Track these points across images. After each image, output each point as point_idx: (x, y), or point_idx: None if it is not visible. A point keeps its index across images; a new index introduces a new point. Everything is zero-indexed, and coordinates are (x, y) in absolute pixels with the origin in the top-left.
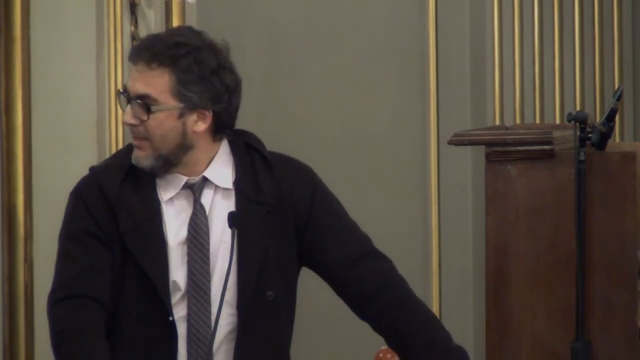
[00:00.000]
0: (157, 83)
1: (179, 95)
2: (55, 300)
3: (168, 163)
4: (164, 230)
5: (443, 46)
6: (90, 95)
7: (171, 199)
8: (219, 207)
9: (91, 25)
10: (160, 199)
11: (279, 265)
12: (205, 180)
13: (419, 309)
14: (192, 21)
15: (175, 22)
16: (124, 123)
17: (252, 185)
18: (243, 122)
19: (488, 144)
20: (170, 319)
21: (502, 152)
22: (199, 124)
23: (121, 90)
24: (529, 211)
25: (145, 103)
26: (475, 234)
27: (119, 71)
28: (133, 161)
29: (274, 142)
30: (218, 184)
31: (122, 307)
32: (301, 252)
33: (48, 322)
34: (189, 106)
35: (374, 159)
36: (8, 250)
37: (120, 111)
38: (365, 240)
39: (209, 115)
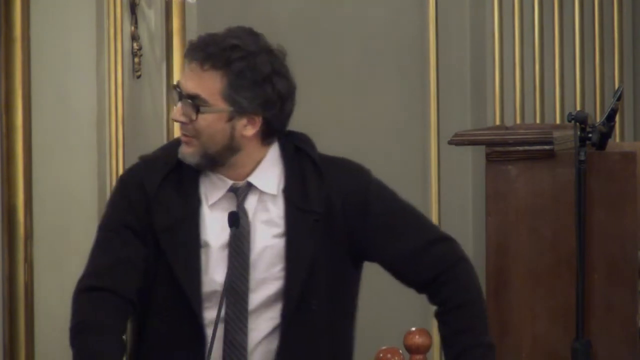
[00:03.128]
0: (209, 85)
1: (230, 99)
2: (82, 289)
3: (214, 162)
4: (201, 232)
5: (443, 46)
6: (90, 95)
7: (215, 202)
8: (264, 212)
9: (91, 25)
10: (202, 200)
11: (326, 274)
12: (250, 185)
13: (468, 306)
14: (192, 21)
15: (176, 22)
16: (172, 119)
17: (300, 193)
18: None
19: (488, 144)
20: (201, 322)
21: (502, 152)
22: (248, 129)
23: (176, 86)
24: (529, 211)
25: (195, 104)
26: (475, 234)
27: (119, 71)
28: (179, 156)
29: None
30: (263, 189)
31: (154, 306)
32: (360, 252)
33: (71, 308)
34: (239, 110)
35: (374, 159)
36: (8, 250)
37: (120, 111)
38: (425, 229)
39: (258, 120)
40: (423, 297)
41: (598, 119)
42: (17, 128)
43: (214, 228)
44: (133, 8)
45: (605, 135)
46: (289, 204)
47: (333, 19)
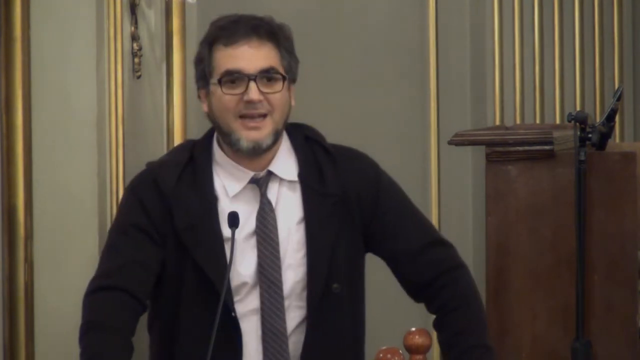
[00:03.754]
0: (273, 56)
1: (288, 67)
2: (93, 289)
3: (275, 142)
4: (222, 226)
5: (443, 46)
6: (90, 95)
7: (236, 193)
8: (285, 200)
9: (91, 25)
10: (221, 194)
11: (345, 258)
12: (270, 174)
13: (467, 308)
14: (192, 21)
15: (176, 22)
16: (250, 101)
17: (317, 178)
18: None
19: (488, 144)
20: (233, 314)
21: (502, 152)
22: (292, 99)
23: (233, 71)
24: (529, 211)
25: (275, 76)
26: (475, 234)
27: (119, 71)
28: (249, 145)
29: None
30: (284, 177)
31: (183, 305)
32: (367, 242)
33: (82, 307)
34: (292, 78)
35: (374, 159)
36: (8, 250)
37: (120, 111)
38: (427, 230)
39: (294, 90)
40: None
41: (598, 119)
42: (17, 128)
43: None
44: (133, 8)
45: (605, 136)
46: (307, 189)
47: (333, 19)
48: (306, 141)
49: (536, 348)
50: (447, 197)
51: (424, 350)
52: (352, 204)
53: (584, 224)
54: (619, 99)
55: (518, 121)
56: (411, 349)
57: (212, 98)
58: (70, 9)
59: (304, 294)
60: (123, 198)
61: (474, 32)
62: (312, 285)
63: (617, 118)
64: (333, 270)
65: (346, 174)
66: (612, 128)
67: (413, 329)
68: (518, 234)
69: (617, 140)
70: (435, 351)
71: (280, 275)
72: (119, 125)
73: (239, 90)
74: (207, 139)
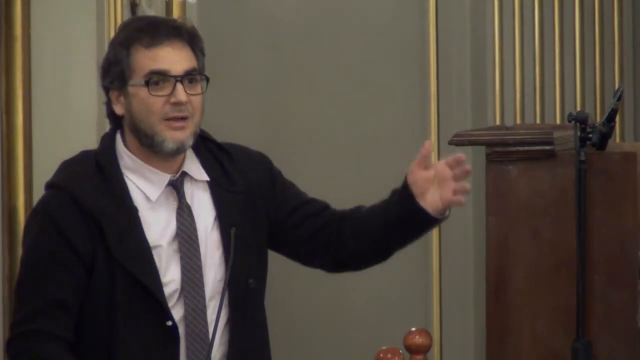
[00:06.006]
0: (192, 57)
1: (203, 69)
2: (17, 335)
3: (191, 144)
4: (147, 235)
5: (443, 46)
6: (90, 95)
7: (155, 199)
8: (199, 200)
9: (91, 25)
10: (139, 202)
11: (256, 252)
12: (184, 175)
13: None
14: (193, 21)
15: None
16: (178, 102)
17: (223, 175)
18: (243, 121)
19: (488, 144)
20: (169, 323)
21: (502, 152)
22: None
23: (157, 72)
24: (529, 211)
25: (200, 75)
26: (475, 234)
27: None
28: (173, 146)
29: (274, 141)
30: (196, 177)
31: (119, 318)
32: (275, 231)
33: (7, 356)
34: (207, 81)
35: (374, 159)
36: (8, 250)
37: None
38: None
39: None
40: (423, 297)
41: (598, 119)
42: (17, 128)
43: (159, 227)
44: (133, 8)
45: (606, 136)
46: (216, 188)
47: (333, 19)
48: (201, 139)
49: (536, 348)
50: None
51: (424, 350)
52: (256, 195)
53: (584, 224)
54: (619, 99)
55: (518, 121)
56: (411, 349)
57: (133, 100)
58: (70, 8)
59: (225, 293)
60: (32, 225)
61: (474, 32)
62: (233, 283)
63: (617, 118)
64: (250, 267)
65: (244, 167)
66: (612, 128)
67: (413, 329)
68: (518, 234)
69: (617, 140)
70: (436, 351)
71: (201, 276)
72: None
73: (164, 92)
74: (109, 146)
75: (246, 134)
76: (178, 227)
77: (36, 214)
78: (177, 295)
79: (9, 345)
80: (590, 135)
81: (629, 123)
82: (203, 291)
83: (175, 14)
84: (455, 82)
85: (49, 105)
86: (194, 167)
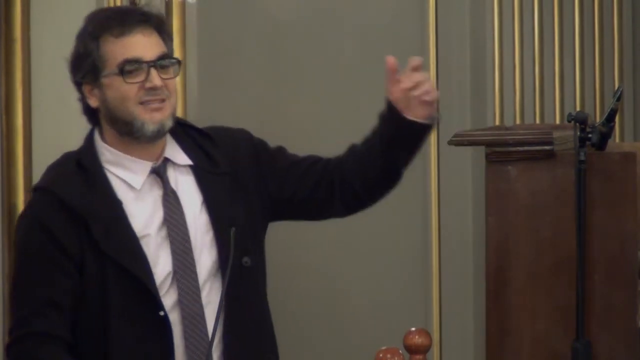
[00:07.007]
0: (161, 43)
1: (172, 53)
2: (16, 339)
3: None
4: (134, 225)
5: (443, 46)
6: None
7: (139, 188)
8: (184, 185)
9: None
10: (123, 192)
11: (249, 231)
12: (166, 161)
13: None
14: (192, 21)
15: (176, 22)
16: (153, 88)
17: (205, 158)
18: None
19: (488, 144)
20: (162, 313)
21: (502, 152)
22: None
23: (131, 60)
24: (529, 211)
25: (172, 59)
26: (475, 234)
27: None
28: (153, 128)
29: (274, 141)
30: (178, 162)
31: (112, 312)
32: (277, 198)
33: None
34: (178, 63)
35: None
36: (8, 250)
37: None
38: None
39: None
40: (423, 297)
41: (598, 119)
42: (17, 128)
43: (145, 216)
44: None
45: (605, 136)
46: (200, 172)
47: (333, 19)
48: (180, 126)
49: (536, 348)
50: (447, 197)
51: (424, 350)
52: (243, 173)
53: (584, 224)
54: (619, 99)
55: (518, 121)
56: (411, 349)
57: (107, 90)
58: (70, 9)
59: (219, 274)
60: (20, 228)
61: (473, 33)
62: (225, 263)
63: (617, 118)
64: (243, 246)
65: (227, 147)
66: (612, 128)
67: (413, 329)
68: (518, 234)
69: (617, 140)
70: (436, 351)
71: (193, 259)
72: None
73: (139, 79)
74: (88, 144)
75: None
76: (165, 214)
77: (24, 217)
78: (169, 279)
79: (8, 350)
80: (590, 136)
81: (628, 123)
82: (195, 274)
83: (175, 14)
84: (455, 83)
85: (49, 105)
86: (175, 152)
